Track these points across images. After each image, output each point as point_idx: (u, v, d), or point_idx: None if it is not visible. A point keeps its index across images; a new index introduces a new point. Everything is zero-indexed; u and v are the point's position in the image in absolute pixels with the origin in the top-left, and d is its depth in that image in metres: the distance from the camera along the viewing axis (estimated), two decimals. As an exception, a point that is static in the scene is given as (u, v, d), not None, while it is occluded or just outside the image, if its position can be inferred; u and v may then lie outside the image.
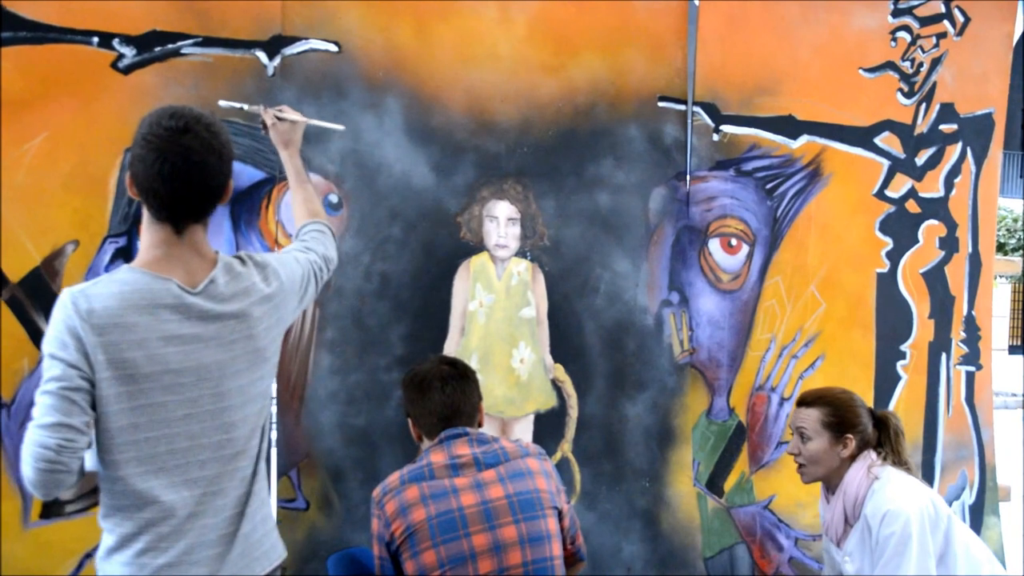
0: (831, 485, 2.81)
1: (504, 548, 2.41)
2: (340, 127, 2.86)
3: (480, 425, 2.65)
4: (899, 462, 2.77)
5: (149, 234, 2.06)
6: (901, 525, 2.59)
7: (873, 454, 2.75)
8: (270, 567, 2.13)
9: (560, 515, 2.56)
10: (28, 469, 1.86)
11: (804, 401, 2.83)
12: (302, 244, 2.43)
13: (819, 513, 3.01)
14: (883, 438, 2.80)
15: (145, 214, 2.07)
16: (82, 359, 1.90)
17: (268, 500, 2.19)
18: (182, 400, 2.00)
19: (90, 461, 2.17)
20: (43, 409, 1.87)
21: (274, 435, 3.01)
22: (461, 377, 2.62)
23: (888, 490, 2.66)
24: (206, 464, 2.03)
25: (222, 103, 2.72)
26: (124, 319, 1.94)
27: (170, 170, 1.99)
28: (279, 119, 2.67)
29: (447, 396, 2.57)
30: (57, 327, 1.91)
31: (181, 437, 2.00)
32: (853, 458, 2.75)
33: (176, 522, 1.99)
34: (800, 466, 2.84)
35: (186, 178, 2.01)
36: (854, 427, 2.76)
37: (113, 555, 1.98)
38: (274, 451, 3.01)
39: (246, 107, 2.70)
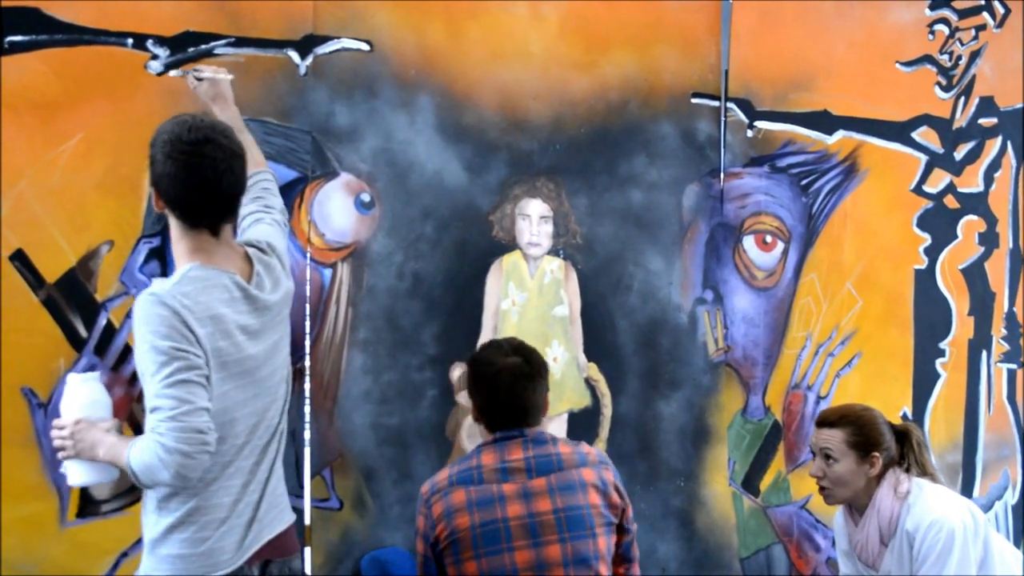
0: (858, 506, 2.75)
1: (547, 567, 2.34)
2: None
3: (544, 414, 2.58)
4: (924, 474, 2.71)
5: (186, 241, 2.18)
6: (946, 534, 2.54)
7: (899, 471, 2.69)
8: (291, 519, 2.37)
9: (618, 529, 2.48)
10: (176, 457, 1.98)
11: (826, 421, 2.75)
12: (263, 205, 2.55)
13: (836, 533, 2.94)
14: (905, 451, 2.73)
15: (176, 223, 2.19)
16: (200, 349, 2.05)
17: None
18: (253, 381, 2.20)
19: (99, 472, 2.21)
20: (182, 396, 2.00)
21: (307, 435, 3.01)
22: (533, 376, 2.50)
23: (926, 501, 2.61)
24: (258, 443, 2.23)
25: (172, 74, 2.80)
26: (214, 311, 2.12)
27: (202, 183, 2.12)
28: (198, 79, 2.71)
29: (516, 396, 2.48)
30: (166, 323, 2.02)
31: (250, 415, 2.20)
32: (880, 477, 2.69)
33: (224, 511, 2.16)
34: (823, 489, 2.76)
35: (217, 187, 2.14)
36: (879, 445, 2.69)
37: (171, 535, 2.12)
38: (307, 451, 3.02)
39: (174, 72, 2.78)
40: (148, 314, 2.04)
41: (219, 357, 2.10)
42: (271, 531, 2.25)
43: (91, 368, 2.75)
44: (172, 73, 2.80)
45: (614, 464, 2.56)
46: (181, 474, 1.99)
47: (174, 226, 2.20)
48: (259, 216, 2.49)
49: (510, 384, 2.47)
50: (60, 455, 2.20)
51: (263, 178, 2.63)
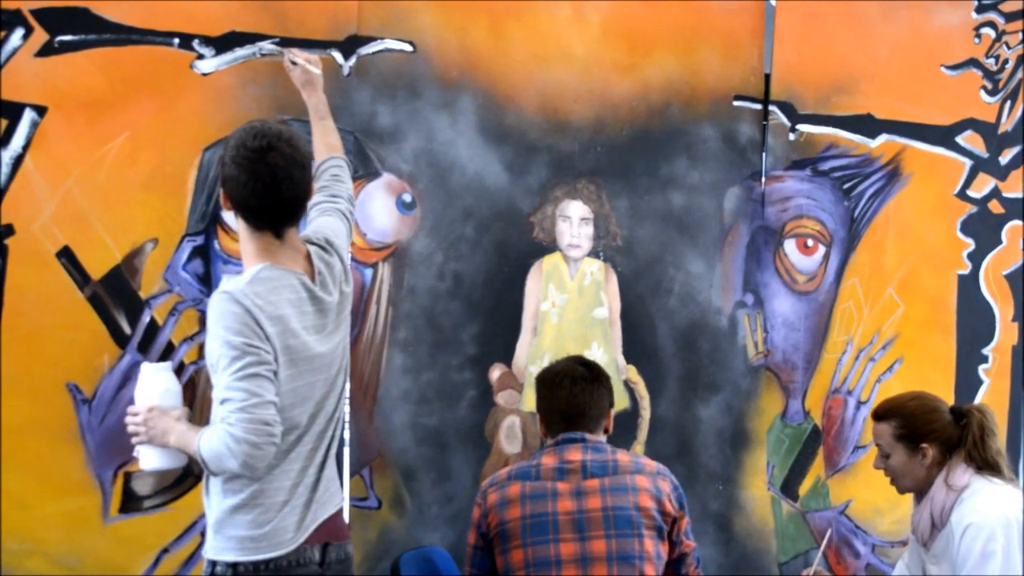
0: (926, 491, 2.70)
1: (590, 561, 2.39)
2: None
3: (607, 431, 2.64)
4: (985, 464, 2.64)
5: (253, 242, 2.25)
6: (983, 541, 2.48)
7: (961, 464, 2.62)
8: (341, 502, 2.42)
9: (670, 542, 2.52)
10: (244, 447, 2.05)
11: (876, 415, 2.72)
12: (329, 194, 2.60)
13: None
14: (964, 435, 2.63)
15: (242, 225, 2.26)
16: (269, 345, 2.13)
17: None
18: (324, 379, 2.29)
19: (170, 458, 2.23)
20: (251, 389, 2.07)
21: (347, 434, 3.02)
22: (592, 379, 2.60)
23: (975, 501, 2.54)
24: (315, 430, 2.28)
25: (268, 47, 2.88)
26: (281, 312, 2.18)
27: (261, 188, 2.18)
28: (292, 63, 2.77)
29: (574, 396, 2.56)
30: (239, 320, 2.10)
31: (312, 407, 2.26)
32: (941, 463, 2.65)
33: (285, 495, 2.21)
34: (891, 480, 2.74)
35: (276, 193, 2.19)
36: (928, 435, 2.63)
37: (234, 516, 2.18)
38: (347, 450, 3.03)
39: (265, 48, 2.87)
40: (222, 311, 2.12)
41: (288, 354, 2.17)
42: (325, 512, 2.31)
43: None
44: (268, 47, 2.87)
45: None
46: (248, 463, 2.07)
47: (240, 227, 2.26)
48: (324, 207, 2.54)
49: (569, 385, 2.57)
50: (133, 440, 2.25)
51: (332, 164, 2.66)
